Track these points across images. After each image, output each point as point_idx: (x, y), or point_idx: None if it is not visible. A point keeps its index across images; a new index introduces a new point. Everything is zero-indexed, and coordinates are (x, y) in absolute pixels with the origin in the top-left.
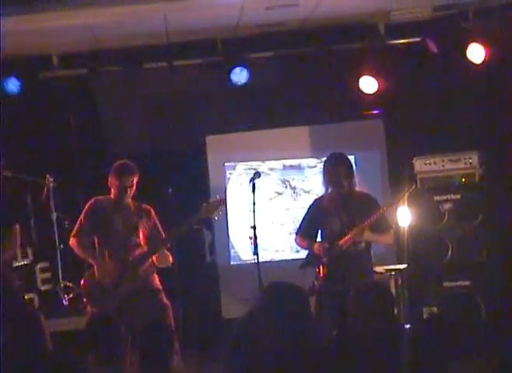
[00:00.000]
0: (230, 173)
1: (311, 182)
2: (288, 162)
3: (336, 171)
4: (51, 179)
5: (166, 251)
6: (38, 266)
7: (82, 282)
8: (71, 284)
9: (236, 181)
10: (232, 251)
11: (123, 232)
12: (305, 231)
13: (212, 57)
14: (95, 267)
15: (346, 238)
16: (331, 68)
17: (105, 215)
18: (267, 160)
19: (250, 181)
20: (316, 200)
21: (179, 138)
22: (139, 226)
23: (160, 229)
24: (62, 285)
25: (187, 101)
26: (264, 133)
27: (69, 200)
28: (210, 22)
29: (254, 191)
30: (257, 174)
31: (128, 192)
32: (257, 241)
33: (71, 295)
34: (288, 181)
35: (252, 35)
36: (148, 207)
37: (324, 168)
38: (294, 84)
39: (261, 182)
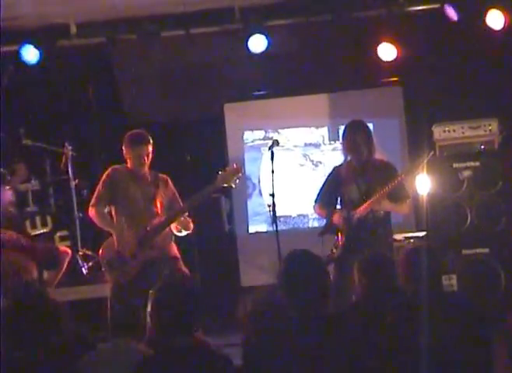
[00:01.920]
0: (264, 150)
1: (326, 155)
2: (308, 141)
3: (355, 138)
4: (70, 148)
5: (187, 217)
6: (57, 235)
7: (100, 251)
8: (90, 252)
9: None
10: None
11: (141, 201)
12: (323, 200)
13: (229, 24)
14: (113, 236)
15: (365, 205)
16: (350, 35)
17: (123, 184)
18: (285, 128)
19: (269, 149)
20: (335, 168)
21: (197, 106)
22: (157, 195)
23: (178, 198)
24: (81, 253)
25: (205, 69)
26: (282, 100)
27: (88, 169)
28: None
29: (272, 159)
30: (276, 142)
31: (144, 161)
32: (276, 209)
33: (90, 263)
34: (308, 155)
35: (270, 2)
36: (164, 176)
37: (343, 135)
38: (312, 51)
39: (286, 156)
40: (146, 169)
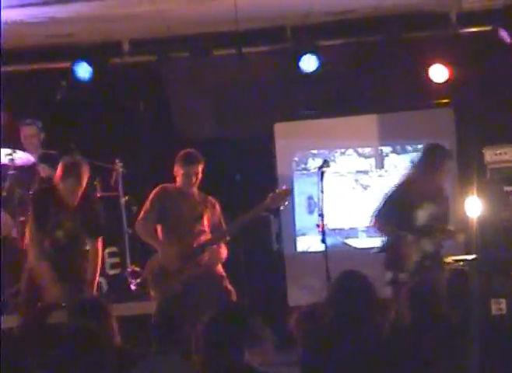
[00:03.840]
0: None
1: (373, 180)
2: (358, 168)
3: (444, 164)
4: (120, 165)
5: (223, 245)
6: (106, 251)
7: (146, 267)
8: (138, 269)
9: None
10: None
11: (188, 220)
12: (387, 216)
13: (281, 44)
14: (159, 253)
15: (444, 235)
16: (402, 56)
17: (171, 203)
18: (335, 148)
19: (319, 169)
20: (400, 186)
21: (247, 125)
22: (204, 215)
23: (223, 224)
24: (130, 270)
25: (256, 88)
26: (332, 121)
27: (137, 186)
28: (280, 9)
29: (322, 179)
30: (326, 162)
31: (193, 181)
32: (325, 229)
33: (138, 280)
34: (358, 180)
35: (322, 22)
36: (213, 199)
37: (430, 156)
38: (364, 72)
39: (340, 180)
40: (195, 188)
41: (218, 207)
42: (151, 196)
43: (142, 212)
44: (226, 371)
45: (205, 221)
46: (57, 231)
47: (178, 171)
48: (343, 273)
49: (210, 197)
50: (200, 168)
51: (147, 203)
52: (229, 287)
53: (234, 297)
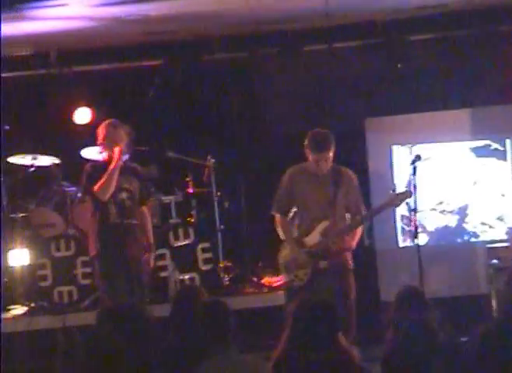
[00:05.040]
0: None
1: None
2: (451, 164)
3: None
4: (212, 161)
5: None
6: (199, 247)
7: (279, 255)
8: (231, 264)
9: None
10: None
11: (320, 204)
12: None
13: (371, 39)
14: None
15: None
16: (493, 50)
17: (300, 188)
18: (426, 143)
19: (411, 164)
20: None
21: (337, 120)
22: (337, 197)
23: (359, 202)
24: (222, 265)
25: (346, 83)
26: (423, 115)
27: (230, 181)
28: (370, 4)
29: (414, 174)
30: (418, 157)
31: (324, 166)
32: (417, 223)
33: (231, 275)
34: (450, 175)
35: (413, 16)
36: (349, 173)
37: None
38: (455, 66)
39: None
40: (328, 169)
41: (355, 181)
42: (282, 181)
43: (275, 201)
44: (327, 365)
45: (340, 203)
46: (119, 193)
47: (308, 154)
48: None
49: (346, 171)
50: (330, 153)
51: (278, 190)
52: (351, 282)
53: (353, 294)
